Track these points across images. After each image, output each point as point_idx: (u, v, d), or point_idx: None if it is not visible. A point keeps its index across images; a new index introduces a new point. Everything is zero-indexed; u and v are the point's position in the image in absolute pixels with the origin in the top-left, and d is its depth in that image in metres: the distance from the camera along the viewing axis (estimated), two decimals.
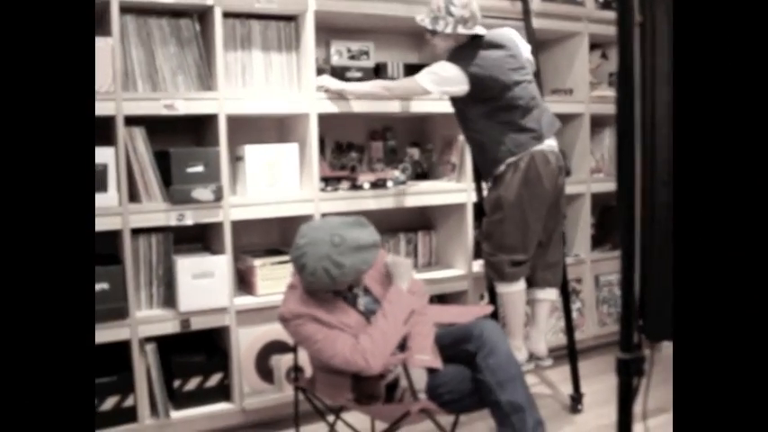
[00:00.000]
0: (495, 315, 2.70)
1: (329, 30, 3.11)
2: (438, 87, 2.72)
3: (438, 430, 2.04)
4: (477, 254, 3.11)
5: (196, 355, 2.77)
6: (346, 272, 2.03)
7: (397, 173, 3.14)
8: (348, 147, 3.36)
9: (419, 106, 3.09)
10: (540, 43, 3.18)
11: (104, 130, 2.55)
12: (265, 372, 2.83)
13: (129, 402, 2.59)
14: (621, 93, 1.23)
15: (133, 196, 2.60)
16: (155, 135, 2.65)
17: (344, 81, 2.94)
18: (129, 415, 2.59)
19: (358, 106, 2.95)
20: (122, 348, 2.60)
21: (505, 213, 2.72)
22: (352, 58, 3.05)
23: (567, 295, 3.09)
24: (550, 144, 2.76)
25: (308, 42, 2.86)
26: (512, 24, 2.97)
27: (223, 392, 2.78)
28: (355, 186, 3.02)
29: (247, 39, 2.87)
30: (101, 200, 2.47)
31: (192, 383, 2.73)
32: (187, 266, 2.64)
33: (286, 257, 2.83)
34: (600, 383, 3.14)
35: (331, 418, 2.39)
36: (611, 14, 3.55)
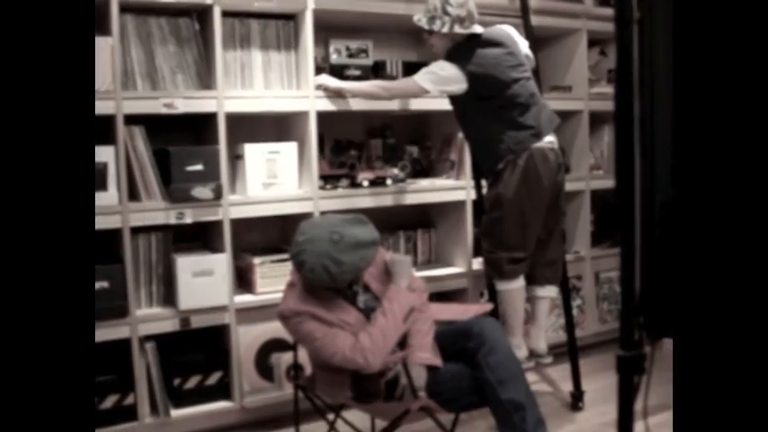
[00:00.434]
0: (494, 313, 2.70)
1: (328, 28, 3.11)
2: (437, 87, 2.72)
3: (438, 428, 2.04)
4: (477, 251, 3.11)
5: (196, 354, 2.77)
6: (345, 269, 2.03)
7: (396, 171, 3.14)
8: (347, 145, 3.35)
9: (418, 104, 3.09)
10: (538, 40, 3.18)
11: (104, 129, 2.55)
12: (265, 370, 2.83)
13: (129, 401, 2.59)
14: (620, 89, 1.23)
15: (133, 195, 2.60)
16: (154, 134, 2.65)
17: (343, 79, 2.94)
18: (129, 413, 2.59)
19: (357, 104, 2.95)
20: (122, 347, 2.60)
21: (505, 211, 2.72)
22: (351, 56, 3.04)
23: (567, 292, 3.09)
24: (550, 141, 2.76)
25: (307, 41, 2.87)
26: (510, 22, 2.97)
27: (223, 391, 2.78)
28: (354, 184, 3.02)
29: (246, 37, 2.87)
30: (101, 198, 2.47)
31: (192, 382, 2.73)
32: (187, 265, 2.65)
33: (285, 255, 2.83)
34: (600, 381, 3.13)
35: (331, 416, 2.39)
36: (609, 11, 3.55)
